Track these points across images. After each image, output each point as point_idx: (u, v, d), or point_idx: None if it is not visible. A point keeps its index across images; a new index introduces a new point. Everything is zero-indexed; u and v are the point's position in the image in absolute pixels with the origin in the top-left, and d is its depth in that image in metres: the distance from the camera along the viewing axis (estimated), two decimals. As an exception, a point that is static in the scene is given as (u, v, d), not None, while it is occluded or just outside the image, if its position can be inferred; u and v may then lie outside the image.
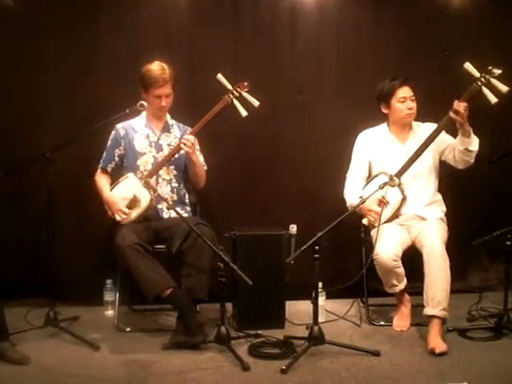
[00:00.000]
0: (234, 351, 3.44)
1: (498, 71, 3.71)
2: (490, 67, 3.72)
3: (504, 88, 3.68)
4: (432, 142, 3.93)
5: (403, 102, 4.02)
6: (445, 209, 4.14)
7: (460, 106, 3.73)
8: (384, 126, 4.19)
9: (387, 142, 4.15)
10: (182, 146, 3.84)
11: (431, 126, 4.03)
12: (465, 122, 3.77)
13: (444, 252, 3.72)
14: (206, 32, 4.51)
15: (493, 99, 3.69)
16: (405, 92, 4.02)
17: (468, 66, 3.76)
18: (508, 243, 3.74)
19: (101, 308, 4.30)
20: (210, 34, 4.52)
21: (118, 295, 4.13)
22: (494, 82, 3.71)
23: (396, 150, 4.12)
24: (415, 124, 4.15)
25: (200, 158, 4.08)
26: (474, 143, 3.89)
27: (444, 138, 4.05)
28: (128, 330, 3.95)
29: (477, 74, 3.74)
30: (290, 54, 4.67)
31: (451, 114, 3.77)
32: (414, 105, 4.04)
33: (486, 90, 3.71)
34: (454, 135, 3.96)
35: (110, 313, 4.23)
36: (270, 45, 4.63)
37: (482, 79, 3.72)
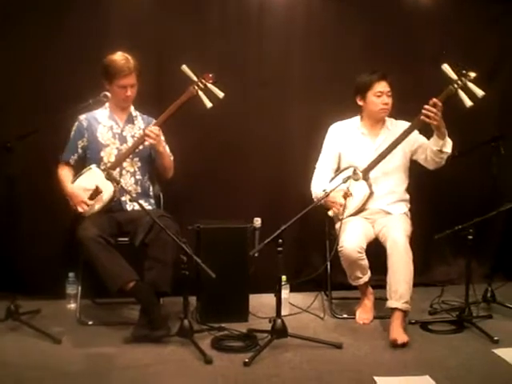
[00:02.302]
0: (197, 344, 3.42)
1: (473, 74, 3.71)
2: (465, 71, 3.72)
3: (480, 92, 3.69)
4: (402, 140, 3.95)
5: (379, 96, 4.02)
6: (409, 205, 4.19)
7: (429, 110, 3.74)
8: (357, 119, 4.20)
9: (358, 135, 4.16)
10: (145, 137, 3.80)
11: (404, 124, 4.05)
12: (440, 123, 3.79)
13: (407, 246, 3.76)
14: (172, 23, 4.48)
15: (468, 102, 3.70)
16: (382, 86, 4.02)
17: (445, 67, 3.76)
18: (469, 237, 3.77)
19: (63, 301, 4.25)
20: (176, 25, 4.48)
21: (80, 288, 4.08)
22: (471, 85, 3.71)
23: (366, 144, 4.13)
24: (389, 120, 4.16)
25: (166, 149, 4.05)
26: (448, 145, 3.91)
27: (417, 137, 4.07)
28: (90, 323, 3.91)
29: (454, 76, 3.75)
30: (257, 46, 4.66)
31: (422, 117, 3.78)
32: (389, 100, 4.04)
33: (461, 93, 3.72)
34: (428, 136, 3.98)
35: (72, 306, 4.19)
36: (236, 37, 4.61)
37: (459, 82, 3.73)
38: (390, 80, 4.05)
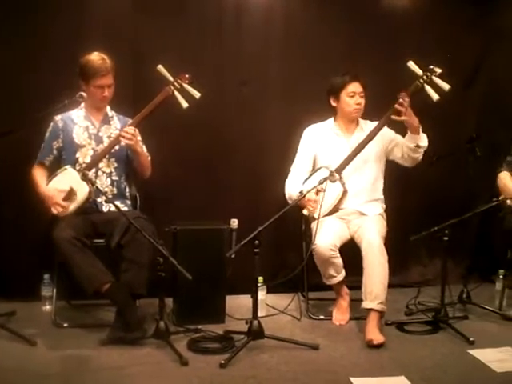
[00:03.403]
0: (173, 346, 3.41)
1: (439, 70, 3.78)
2: (431, 66, 3.78)
3: (446, 86, 3.75)
4: (374, 136, 3.97)
5: (352, 96, 4.05)
6: (384, 206, 4.21)
7: (400, 105, 3.79)
8: (331, 120, 4.23)
9: (332, 136, 4.17)
10: (121, 138, 3.78)
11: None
12: (411, 118, 3.83)
13: (382, 247, 3.78)
14: (150, 22, 4.45)
15: (435, 96, 3.75)
16: (355, 87, 4.05)
17: (411, 64, 3.83)
18: (445, 239, 3.80)
19: (38, 303, 4.19)
20: (153, 25, 4.46)
21: (55, 290, 4.04)
22: (436, 80, 3.77)
23: (341, 144, 4.14)
24: (363, 121, 4.19)
25: (143, 149, 4.04)
26: (423, 139, 3.96)
27: (393, 137, 4.10)
28: (66, 325, 3.88)
29: (419, 72, 3.81)
30: (236, 45, 4.66)
31: (396, 105, 3.82)
32: (362, 101, 4.07)
33: (428, 88, 3.77)
34: (404, 135, 4.01)
35: (47, 308, 4.14)
36: (215, 36, 4.61)
37: (424, 77, 3.78)
38: (363, 81, 4.08)
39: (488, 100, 5.05)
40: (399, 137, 4.09)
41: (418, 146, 3.94)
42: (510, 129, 4.42)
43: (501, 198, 4.08)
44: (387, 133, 4.10)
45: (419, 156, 4.01)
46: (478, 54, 5.06)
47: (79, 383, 3.11)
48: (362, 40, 4.73)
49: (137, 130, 3.83)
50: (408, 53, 4.50)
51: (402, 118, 3.83)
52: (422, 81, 3.79)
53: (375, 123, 4.12)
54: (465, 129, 4.80)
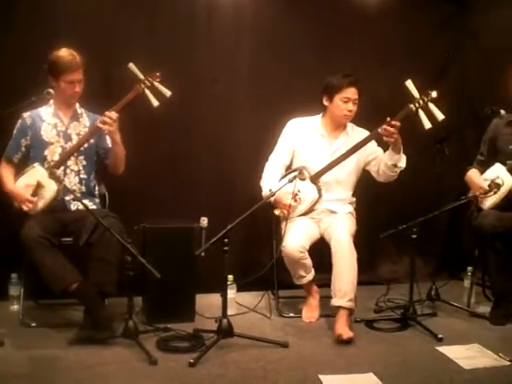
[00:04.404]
0: (142, 345, 3.39)
1: (434, 94, 3.72)
2: (429, 91, 3.72)
3: (440, 116, 3.71)
4: (358, 150, 3.96)
5: (346, 101, 3.98)
6: (355, 204, 4.23)
7: (387, 130, 3.75)
8: (318, 118, 4.18)
9: (316, 135, 4.14)
10: (100, 125, 3.73)
11: (364, 133, 4.06)
12: (397, 140, 3.80)
13: (351, 244, 3.79)
14: (120, 20, 4.43)
15: (427, 124, 3.71)
16: (351, 93, 3.98)
17: (409, 84, 3.76)
18: (413, 236, 3.83)
19: (5, 303, 4.15)
20: (124, 22, 4.44)
21: (23, 289, 3.99)
22: (431, 107, 3.73)
23: (323, 147, 4.12)
24: (350, 126, 4.15)
25: None
26: (403, 160, 3.95)
27: (375, 149, 4.09)
28: (33, 324, 3.84)
29: (416, 94, 3.75)
30: (207, 42, 4.66)
31: (380, 133, 3.79)
32: (354, 108, 4.01)
33: (422, 114, 3.72)
34: (384, 148, 4.02)
35: (14, 307, 4.09)
36: (186, 33, 4.60)
37: (421, 101, 3.73)
38: (360, 87, 4.01)
39: (457, 98, 5.10)
40: (380, 151, 4.07)
41: (395, 166, 3.94)
42: (479, 128, 4.45)
43: (470, 194, 4.13)
44: (370, 145, 4.04)
45: (395, 175, 4.00)
46: (448, 53, 5.10)
47: (46, 383, 3.08)
48: (331, 38, 4.75)
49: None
50: (379, 54, 4.59)
51: (390, 139, 3.79)
52: (417, 105, 3.73)
53: (361, 130, 4.12)
54: (435, 128, 4.83)
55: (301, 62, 4.61)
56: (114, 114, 3.74)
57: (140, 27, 4.48)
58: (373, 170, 4.10)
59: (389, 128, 3.76)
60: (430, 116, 3.71)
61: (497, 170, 4.08)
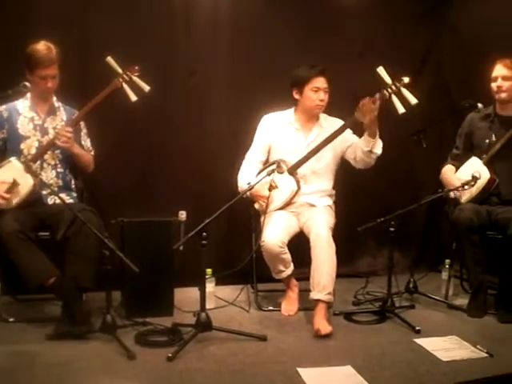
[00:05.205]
0: (120, 340, 3.37)
1: (407, 79, 3.72)
2: (402, 77, 3.73)
3: (413, 100, 3.71)
4: (334, 139, 3.97)
5: (316, 91, 4.00)
6: (334, 198, 4.23)
7: (365, 103, 3.77)
8: (291, 112, 4.18)
9: (290, 129, 4.14)
10: (56, 141, 3.73)
11: (338, 122, 4.07)
12: (374, 120, 3.82)
13: (330, 238, 3.80)
14: (100, 14, 4.39)
15: (400, 109, 3.72)
16: (320, 82, 4.00)
17: (381, 70, 3.77)
18: (391, 229, 3.84)
19: (-17, 298, 4.13)
20: (103, 16, 4.40)
21: (0, 284, 3.95)
22: (404, 91, 3.73)
23: (298, 139, 4.13)
24: (323, 116, 4.16)
25: (87, 143, 4.02)
26: (379, 146, 3.96)
27: (350, 137, 4.09)
28: (11, 320, 3.80)
29: (388, 80, 3.76)
30: (185, 39, 4.63)
31: (356, 113, 3.82)
32: (325, 97, 4.02)
33: (395, 99, 3.73)
34: (360, 135, 4.02)
35: (-8, 303, 4.07)
36: (164, 27, 4.57)
37: (393, 87, 3.74)
38: (329, 76, 4.02)
39: (436, 91, 5.13)
40: (356, 138, 4.08)
41: (371, 152, 3.95)
42: (456, 120, 4.47)
43: (445, 189, 4.16)
44: (345, 133, 4.05)
45: (371, 161, 4.02)
46: (426, 45, 5.12)
47: (25, 378, 3.05)
48: (310, 31, 4.74)
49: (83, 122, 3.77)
50: (358, 46, 4.59)
51: (367, 118, 3.81)
52: (390, 90, 3.74)
53: (335, 119, 4.12)
54: (413, 120, 4.85)
55: (279, 55, 4.61)
56: (68, 131, 3.73)
57: (118, 20, 4.43)
58: (350, 157, 4.11)
59: (366, 101, 3.77)
60: (404, 101, 3.72)
61: (473, 164, 4.11)
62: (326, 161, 4.11)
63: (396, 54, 4.70)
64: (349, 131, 4.07)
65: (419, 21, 5.08)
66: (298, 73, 4.05)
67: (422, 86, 4.97)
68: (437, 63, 5.21)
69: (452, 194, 4.11)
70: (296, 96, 4.08)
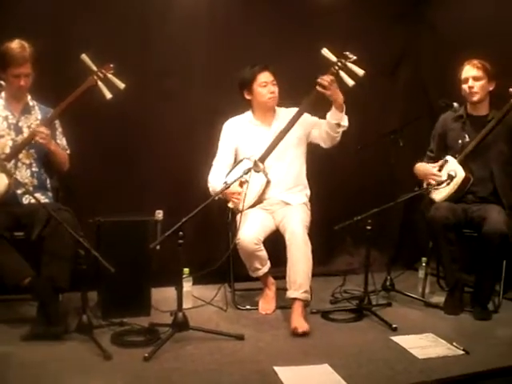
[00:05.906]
0: (96, 340, 3.35)
1: (353, 57, 3.82)
2: (346, 52, 3.83)
3: (360, 71, 3.79)
4: (295, 122, 4.00)
5: (265, 86, 4.08)
6: (309, 193, 4.24)
7: (324, 78, 3.82)
8: (249, 113, 4.24)
9: (252, 127, 4.19)
10: (36, 137, 3.71)
11: (294, 110, 4.08)
12: (337, 93, 3.86)
13: (305, 236, 3.81)
14: (75, 11, 4.36)
15: (350, 82, 3.80)
16: (265, 77, 4.08)
17: (325, 51, 3.87)
18: (368, 228, 3.86)
19: (-42, 299, 4.08)
20: (78, 14, 4.37)
21: (-25, 285, 3.93)
22: (350, 66, 3.82)
23: (262, 134, 4.16)
24: (279, 109, 4.21)
25: (63, 142, 4.00)
26: (345, 119, 3.99)
27: (310, 119, 4.15)
28: (-14, 320, 3.78)
29: (333, 58, 3.86)
30: (160, 34, 4.62)
31: (317, 88, 3.85)
32: (275, 89, 4.11)
33: (342, 74, 3.81)
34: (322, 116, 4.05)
35: (-33, 304, 4.02)
36: (139, 25, 4.55)
37: (339, 63, 3.83)
38: (273, 69, 4.11)
39: (413, 90, 5.16)
40: (317, 119, 4.15)
41: (338, 125, 3.97)
42: (433, 119, 4.50)
43: (424, 185, 4.19)
44: (307, 117, 4.12)
45: (337, 136, 4.04)
46: (403, 43, 5.14)
47: (1, 380, 3.02)
48: (287, 32, 4.75)
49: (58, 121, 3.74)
50: (335, 45, 4.57)
51: (328, 92, 3.85)
52: (336, 67, 3.83)
53: (292, 109, 4.14)
54: (390, 118, 4.88)
55: (256, 56, 4.59)
56: (44, 129, 3.71)
57: (93, 18, 4.39)
58: (316, 137, 4.15)
59: (321, 81, 3.83)
60: (352, 75, 3.81)
61: (448, 163, 4.15)
62: (289, 145, 4.12)
63: (374, 52, 4.71)
64: (308, 115, 4.13)
65: (397, 19, 5.11)
66: (242, 75, 4.15)
67: (399, 83, 5.02)
68: (414, 62, 5.24)
69: (431, 181, 4.12)
70: (248, 97, 4.16)
